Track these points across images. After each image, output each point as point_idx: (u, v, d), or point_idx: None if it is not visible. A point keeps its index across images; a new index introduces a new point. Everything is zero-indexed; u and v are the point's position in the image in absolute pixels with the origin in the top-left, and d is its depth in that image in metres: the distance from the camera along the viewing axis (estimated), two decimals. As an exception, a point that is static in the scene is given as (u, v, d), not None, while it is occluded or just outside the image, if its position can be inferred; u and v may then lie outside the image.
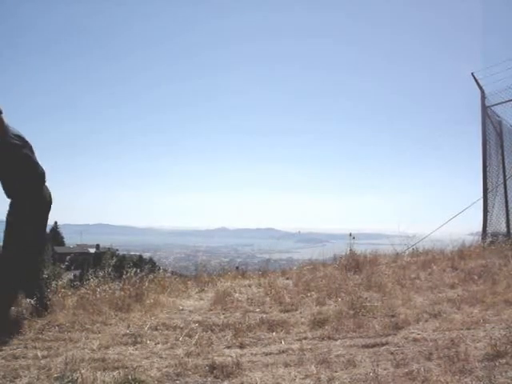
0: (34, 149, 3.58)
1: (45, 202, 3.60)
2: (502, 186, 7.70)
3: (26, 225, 3.47)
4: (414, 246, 6.41)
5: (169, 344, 2.92)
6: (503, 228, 7.59)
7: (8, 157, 3.42)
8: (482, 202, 7.51)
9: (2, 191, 3.52)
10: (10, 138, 3.41)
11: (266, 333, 3.09)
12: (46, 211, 3.62)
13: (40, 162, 3.61)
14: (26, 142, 3.52)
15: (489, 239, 6.76)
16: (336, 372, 2.39)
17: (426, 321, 3.22)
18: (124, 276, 4.20)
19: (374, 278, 4.44)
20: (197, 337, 2.99)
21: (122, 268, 4.37)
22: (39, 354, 2.73)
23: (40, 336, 3.09)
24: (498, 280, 4.23)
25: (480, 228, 7.38)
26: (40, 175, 3.54)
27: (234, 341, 2.94)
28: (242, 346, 2.86)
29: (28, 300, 3.49)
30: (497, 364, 2.34)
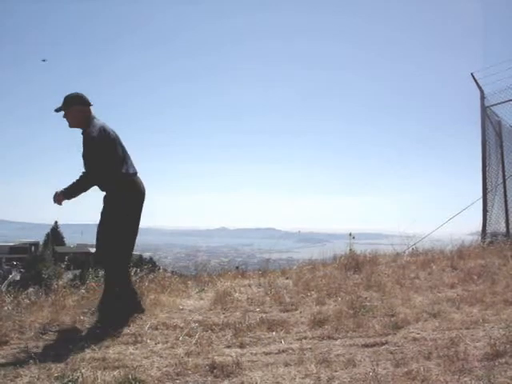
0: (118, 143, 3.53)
1: (134, 197, 3.54)
2: (502, 186, 7.71)
3: (110, 218, 3.46)
4: (413, 246, 6.41)
5: (169, 343, 2.93)
6: (503, 228, 7.59)
7: (93, 149, 3.38)
8: (481, 201, 7.51)
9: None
10: (95, 130, 3.39)
11: (265, 332, 3.10)
12: (134, 206, 3.55)
13: (130, 157, 3.58)
14: (114, 135, 3.49)
15: (488, 239, 6.76)
16: (336, 371, 2.39)
17: (426, 320, 3.23)
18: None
19: (373, 277, 4.45)
20: (197, 336, 2.99)
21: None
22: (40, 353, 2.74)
23: (40, 335, 3.11)
24: (497, 280, 4.24)
25: (480, 228, 7.38)
26: (119, 169, 3.45)
27: (234, 340, 2.94)
28: (241, 346, 2.86)
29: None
30: (496, 363, 2.35)
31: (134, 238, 3.59)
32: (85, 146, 3.42)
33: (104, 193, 3.53)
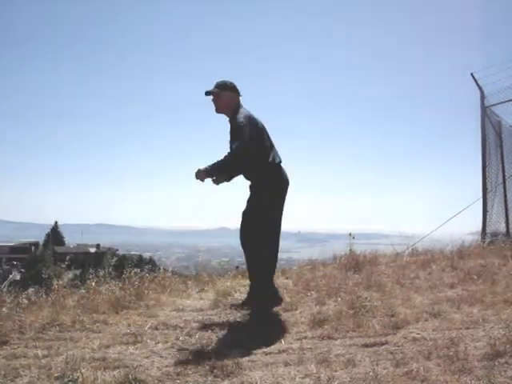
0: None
1: (279, 186, 3.58)
2: (502, 185, 7.72)
3: (259, 207, 3.49)
4: (413, 246, 6.41)
5: (169, 343, 2.92)
6: (502, 228, 7.60)
7: (240, 136, 3.35)
8: (481, 201, 7.52)
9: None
10: (243, 117, 3.40)
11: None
12: (279, 194, 3.58)
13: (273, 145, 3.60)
14: (261, 123, 3.51)
15: (488, 239, 6.76)
16: (336, 371, 2.39)
17: (426, 320, 3.22)
18: (124, 276, 4.21)
19: (373, 277, 4.45)
20: (197, 336, 3.00)
21: (122, 268, 4.39)
22: (40, 353, 2.74)
23: (40, 335, 3.11)
24: (497, 280, 4.23)
25: (479, 228, 7.39)
26: (266, 158, 3.47)
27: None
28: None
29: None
30: (496, 363, 2.34)
31: (280, 227, 3.62)
32: (233, 132, 3.43)
33: (249, 182, 3.60)
